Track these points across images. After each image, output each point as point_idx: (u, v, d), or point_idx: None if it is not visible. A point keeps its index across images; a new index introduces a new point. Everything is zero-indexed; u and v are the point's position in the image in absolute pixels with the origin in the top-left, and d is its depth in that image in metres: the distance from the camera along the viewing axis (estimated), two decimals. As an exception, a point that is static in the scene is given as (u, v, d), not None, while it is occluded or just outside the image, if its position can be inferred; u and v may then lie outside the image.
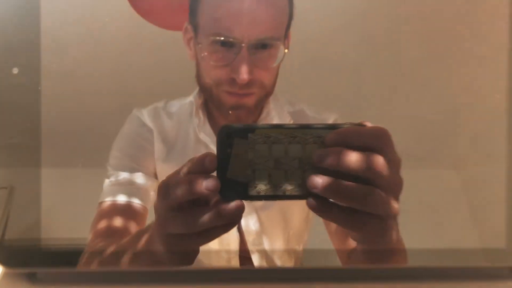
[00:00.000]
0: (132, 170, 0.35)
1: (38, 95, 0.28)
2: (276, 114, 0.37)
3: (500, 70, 0.30)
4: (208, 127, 0.38)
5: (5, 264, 0.28)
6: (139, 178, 0.35)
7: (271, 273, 0.29)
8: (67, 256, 0.28)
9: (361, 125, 0.27)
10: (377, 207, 0.26)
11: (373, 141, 0.26)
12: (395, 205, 0.27)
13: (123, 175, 0.35)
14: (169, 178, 0.29)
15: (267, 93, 0.36)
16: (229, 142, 0.27)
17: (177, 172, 0.29)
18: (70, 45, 0.29)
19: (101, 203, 0.33)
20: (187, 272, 0.29)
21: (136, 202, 0.34)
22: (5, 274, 0.28)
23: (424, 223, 0.29)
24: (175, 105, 0.39)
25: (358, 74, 0.32)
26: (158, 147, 0.37)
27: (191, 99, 0.39)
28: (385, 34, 0.31)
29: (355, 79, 0.32)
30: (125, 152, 0.36)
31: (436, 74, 0.31)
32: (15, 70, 0.28)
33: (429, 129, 0.32)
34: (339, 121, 0.31)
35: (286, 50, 0.35)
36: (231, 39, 0.34)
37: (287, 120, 0.36)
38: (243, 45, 0.34)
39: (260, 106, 0.37)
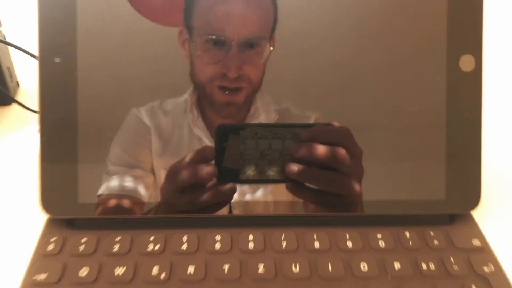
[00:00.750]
0: (130, 166, 0.37)
1: (76, 79, 0.34)
2: (263, 111, 0.39)
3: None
4: (201, 122, 0.39)
5: (49, 212, 0.34)
6: (137, 173, 0.37)
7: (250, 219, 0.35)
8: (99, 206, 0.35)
9: (329, 125, 0.34)
10: (341, 190, 0.35)
11: (337, 137, 0.34)
12: (357, 188, 0.35)
13: (122, 171, 0.36)
14: (175, 165, 0.35)
15: (255, 88, 0.38)
16: (224, 138, 0.34)
17: (181, 161, 0.35)
18: (102, 36, 0.35)
19: (100, 196, 0.35)
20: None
21: (134, 196, 0.36)
22: (50, 220, 0.35)
23: (375, 177, 0.36)
24: (170, 104, 0.39)
25: (340, 74, 0.36)
26: (155, 143, 0.38)
27: (186, 96, 0.39)
28: (370, 32, 0.36)
29: (338, 79, 0.36)
30: (124, 149, 0.37)
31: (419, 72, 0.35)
32: (57, 59, 0.34)
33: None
34: (320, 119, 0.36)
35: (271, 48, 0.37)
36: (222, 38, 0.37)
37: (273, 116, 0.38)
38: (233, 43, 0.37)
39: (249, 101, 0.38)
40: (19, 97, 0.49)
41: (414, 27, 0.35)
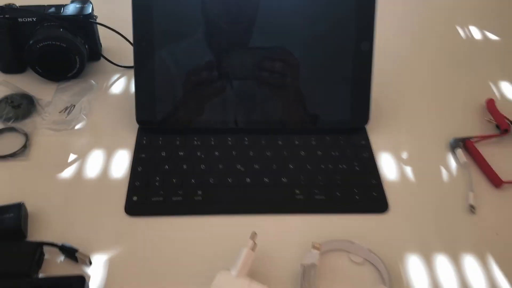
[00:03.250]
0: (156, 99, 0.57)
1: (154, 53, 0.62)
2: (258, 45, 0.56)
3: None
4: (209, 51, 0.56)
5: (141, 124, 0.62)
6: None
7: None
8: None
9: (281, 49, 0.58)
10: (286, 86, 0.60)
11: (284, 55, 0.58)
12: (295, 85, 0.59)
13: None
14: (191, 71, 0.56)
15: (251, 22, 0.55)
16: (222, 55, 0.58)
17: (197, 69, 0.57)
18: (167, 32, 0.60)
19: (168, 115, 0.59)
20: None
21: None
22: (140, 128, 0.62)
23: (310, 109, 0.64)
24: (184, 43, 0.55)
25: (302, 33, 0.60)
26: (174, 74, 0.56)
27: (198, 33, 0.54)
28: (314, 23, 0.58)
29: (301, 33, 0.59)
30: (151, 83, 0.56)
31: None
32: (143, 43, 0.62)
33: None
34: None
35: None
36: None
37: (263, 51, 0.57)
38: None
39: (247, 36, 0.55)
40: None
41: (338, 24, 0.61)
